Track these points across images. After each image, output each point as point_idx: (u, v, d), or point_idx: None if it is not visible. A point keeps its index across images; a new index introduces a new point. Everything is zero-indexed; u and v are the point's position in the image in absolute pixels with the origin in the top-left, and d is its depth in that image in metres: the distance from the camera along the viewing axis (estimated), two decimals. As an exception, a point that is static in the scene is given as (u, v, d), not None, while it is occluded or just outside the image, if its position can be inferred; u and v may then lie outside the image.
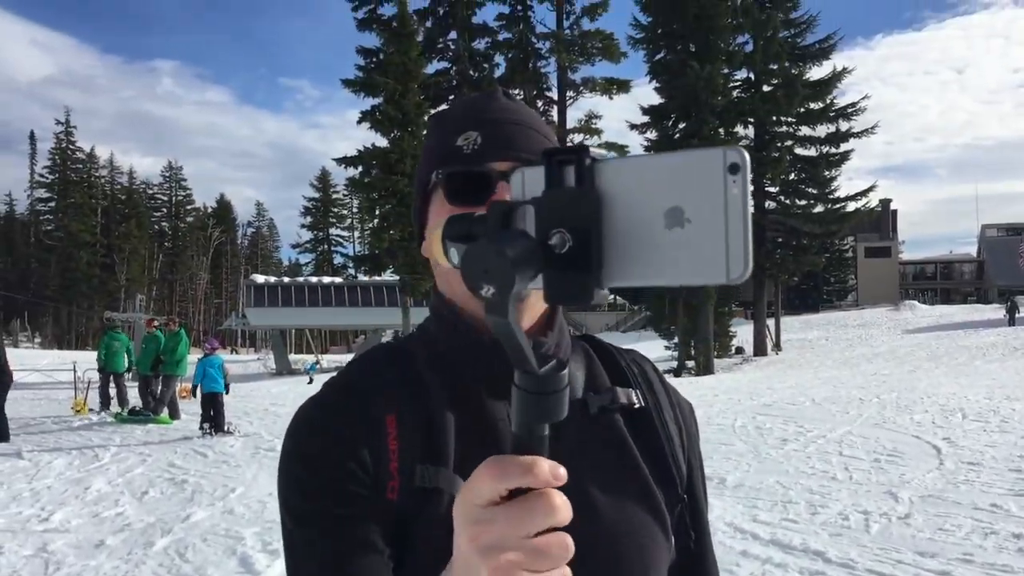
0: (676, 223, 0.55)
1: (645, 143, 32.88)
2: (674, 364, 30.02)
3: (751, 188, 0.54)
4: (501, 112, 1.04)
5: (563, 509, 0.61)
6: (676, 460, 1.07)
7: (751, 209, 0.53)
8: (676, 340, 30.83)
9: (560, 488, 0.79)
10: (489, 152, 0.99)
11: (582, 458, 0.99)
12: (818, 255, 38.50)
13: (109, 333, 17.62)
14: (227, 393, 13.63)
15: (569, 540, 0.61)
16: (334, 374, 1.08)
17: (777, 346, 35.24)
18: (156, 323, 17.31)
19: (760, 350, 34.43)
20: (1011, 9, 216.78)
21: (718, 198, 0.53)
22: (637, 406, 1.08)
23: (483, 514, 0.62)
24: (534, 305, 1.00)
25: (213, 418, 12.91)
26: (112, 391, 16.81)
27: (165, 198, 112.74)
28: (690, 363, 29.75)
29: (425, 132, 1.15)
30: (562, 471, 0.62)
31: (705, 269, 0.54)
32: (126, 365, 17.22)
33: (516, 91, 37.99)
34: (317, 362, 36.87)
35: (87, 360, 28.98)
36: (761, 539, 6.22)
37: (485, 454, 0.97)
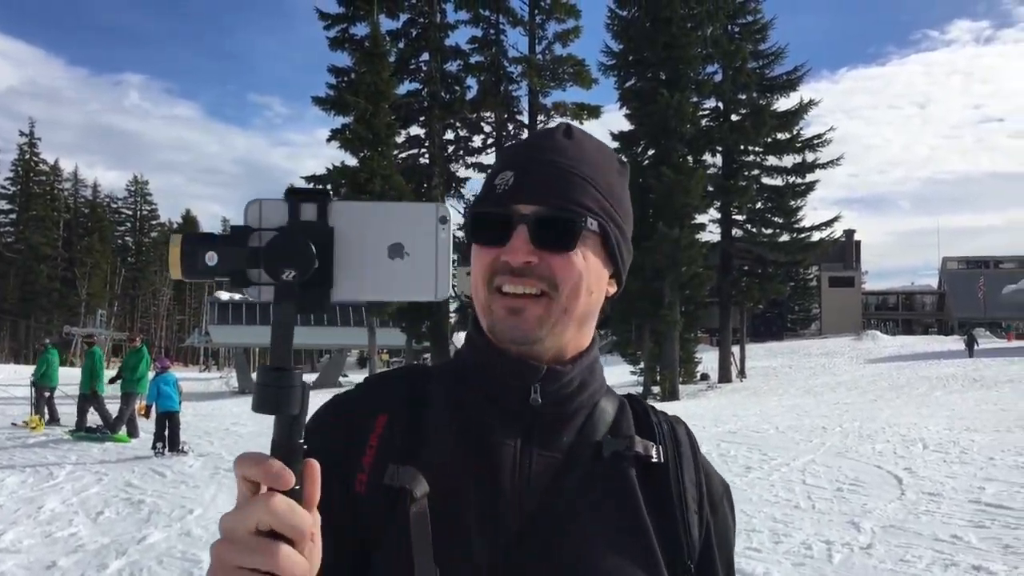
0: (397, 254, 0.72)
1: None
2: (639, 389, 30.07)
3: (456, 235, 0.74)
4: (545, 152, 1.03)
5: (280, 512, 0.68)
6: (687, 525, 1.03)
7: (451, 250, 0.73)
8: (642, 365, 30.90)
9: (554, 520, 0.94)
10: (516, 194, 0.99)
11: (584, 498, 0.99)
12: (783, 283, 38.87)
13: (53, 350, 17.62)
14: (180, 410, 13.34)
15: (277, 547, 0.67)
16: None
17: (742, 373, 35.44)
18: (137, 340, 17.12)
19: (725, 377, 34.59)
20: (972, 47, 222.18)
21: (431, 239, 0.73)
22: (654, 460, 1.04)
23: (237, 503, 0.71)
24: (572, 342, 1.04)
25: (168, 437, 12.63)
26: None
27: (129, 212, 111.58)
28: (655, 389, 29.80)
29: None
30: (288, 476, 0.69)
31: (419, 289, 0.73)
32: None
33: (488, 114, 38.17)
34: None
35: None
36: (724, 568, 6.19)
37: (476, 467, 0.98)
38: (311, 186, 0.73)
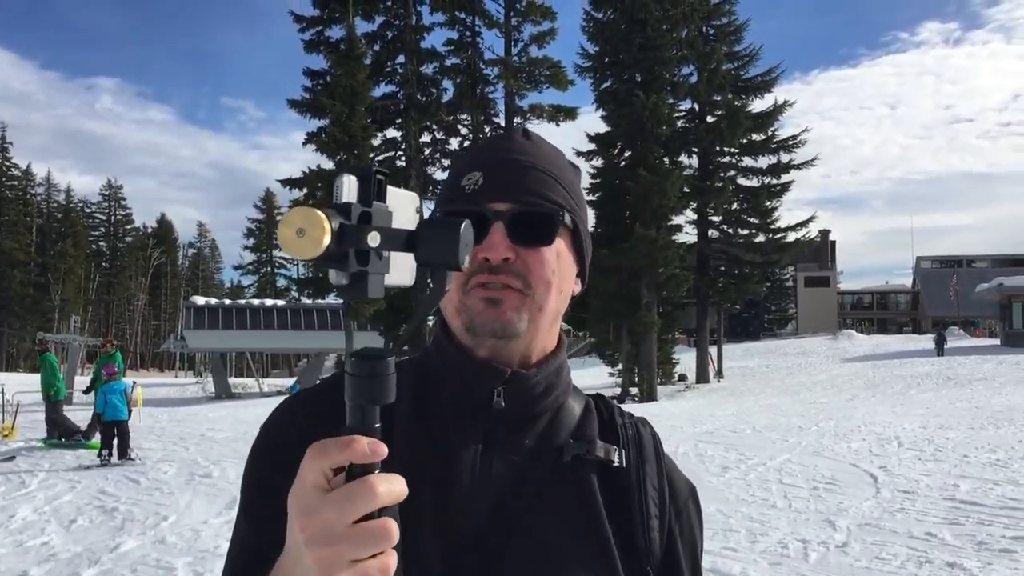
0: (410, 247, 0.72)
1: (592, 170, 33.14)
2: (617, 391, 30.14)
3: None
4: (509, 152, 1.04)
5: (384, 492, 0.64)
6: (647, 528, 1.02)
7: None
8: (620, 367, 30.98)
9: (510, 523, 0.93)
10: (488, 193, 1.00)
11: (542, 501, 0.98)
12: (759, 284, 39.11)
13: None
14: (129, 419, 13.12)
15: (391, 524, 0.65)
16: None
17: (719, 373, 35.61)
18: (113, 344, 16.83)
19: (703, 377, 34.76)
20: (941, 48, 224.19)
21: (411, 227, 0.72)
22: (615, 464, 1.03)
23: (311, 503, 0.66)
24: (540, 342, 1.04)
25: (117, 446, 12.34)
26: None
27: (103, 217, 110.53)
28: (633, 390, 29.89)
29: None
30: (382, 448, 0.66)
31: (401, 276, 0.73)
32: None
33: (464, 116, 38.12)
34: (297, 382, 36.54)
35: (16, 382, 28.15)
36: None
37: (436, 468, 0.98)
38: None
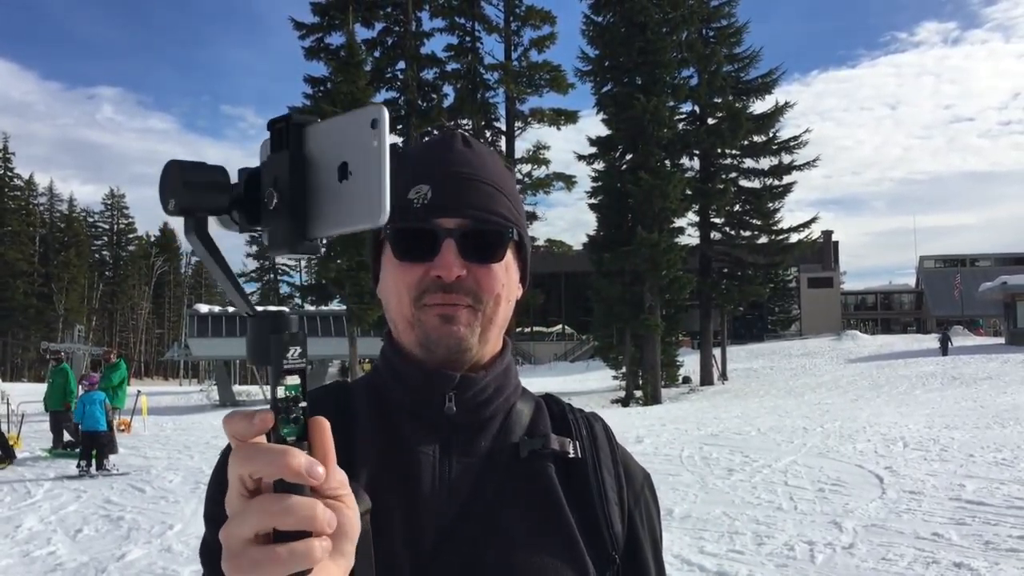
0: (344, 176, 0.61)
1: (593, 173, 33.15)
2: (622, 394, 30.11)
3: (390, 141, 0.60)
4: (454, 165, 1.04)
5: (301, 512, 0.59)
6: (609, 517, 1.04)
7: (387, 161, 0.59)
8: (624, 370, 30.95)
9: (475, 524, 0.94)
10: (437, 208, 1.00)
11: (504, 499, 1.00)
12: (762, 285, 39.05)
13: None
14: (110, 429, 13.03)
15: (306, 547, 0.59)
16: None
17: (723, 375, 35.57)
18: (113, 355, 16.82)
19: (707, 379, 34.72)
20: (940, 48, 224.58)
21: (367, 152, 0.60)
22: (571, 456, 1.06)
23: (237, 507, 0.61)
24: (486, 345, 1.05)
25: (96, 456, 12.23)
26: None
27: (106, 226, 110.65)
28: (637, 393, 29.85)
29: None
30: (319, 470, 0.60)
31: (362, 215, 0.60)
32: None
33: (465, 121, 38.18)
34: None
35: (21, 392, 28.19)
36: (708, 571, 6.20)
37: (397, 478, 0.99)
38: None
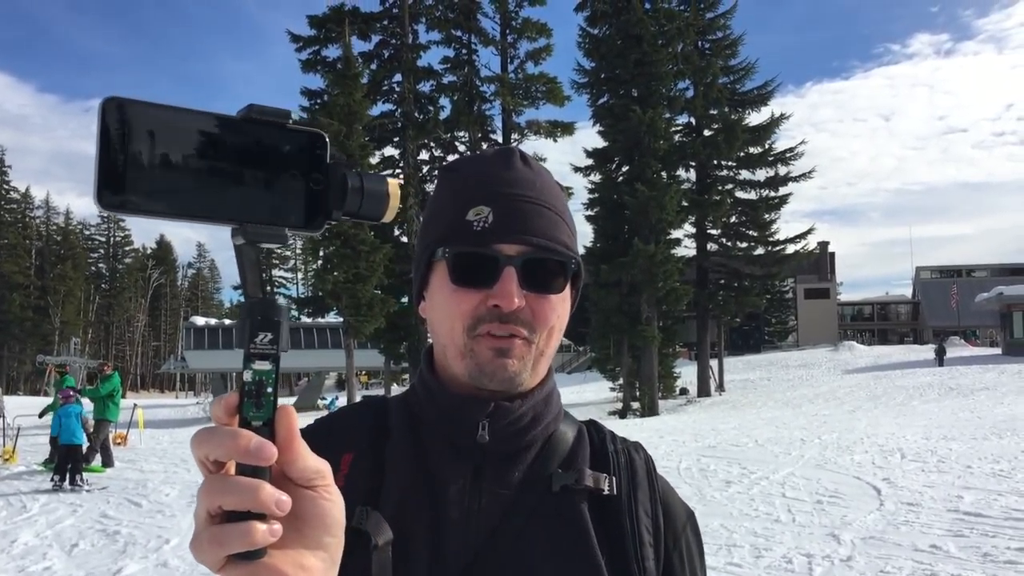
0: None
1: (589, 185, 33.23)
2: (619, 405, 30.08)
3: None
4: (516, 186, 1.00)
5: (242, 492, 0.58)
6: (641, 557, 0.98)
7: (96, 144, 0.58)
8: (621, 381, 30.93)
9: (499, 559, 0.93)
10: (499, 233, 0.96)
11: (531, 535, 0.96)
12: (759, 296, 39.13)
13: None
14: (88, 443, 12.94)
15: (246, 527, 0.58)
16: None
17: (720, 387, 35.56)
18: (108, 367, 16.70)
19: (704, 391, 34.71)
20: (933, 60, 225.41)
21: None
22: (606, 492, 1.01)
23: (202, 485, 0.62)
24: (535, 377, 1.01)
25: (70, 471, 12.09)
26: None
27: (103, 239, 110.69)
28: (635, 404, 29.82)
29: (435, 183, 1.15)
30: (269, 451, 0.59)
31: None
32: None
33: (462, 133, 38.23)
34: (336, 397, 36.70)
35: (16, 406, 28.07)
36: (706, 585, 6.16)
37: (424, 506, 0.97)
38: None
